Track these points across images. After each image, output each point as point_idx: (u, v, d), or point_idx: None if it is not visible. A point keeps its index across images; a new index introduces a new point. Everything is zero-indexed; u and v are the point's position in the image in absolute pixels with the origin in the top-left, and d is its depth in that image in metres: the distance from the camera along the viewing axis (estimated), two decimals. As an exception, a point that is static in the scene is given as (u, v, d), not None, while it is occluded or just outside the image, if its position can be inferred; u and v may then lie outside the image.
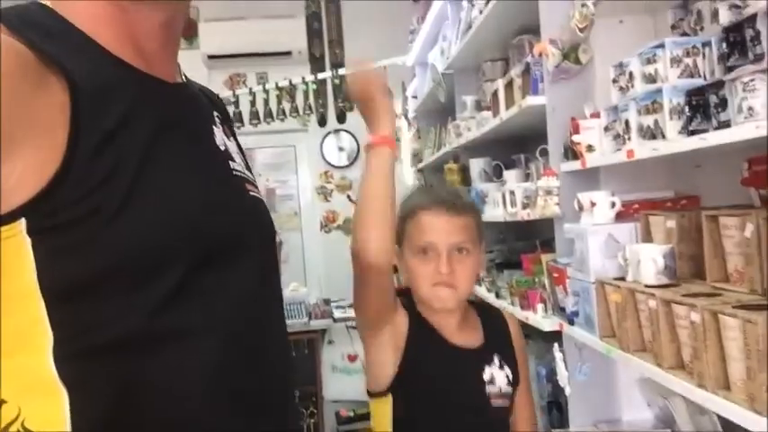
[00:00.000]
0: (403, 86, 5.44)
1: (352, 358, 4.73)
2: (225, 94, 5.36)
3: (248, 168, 0.94)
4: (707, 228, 1.37)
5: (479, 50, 3.03)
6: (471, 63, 3.25)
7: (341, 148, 6.10)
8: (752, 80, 1.15)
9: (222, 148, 0.86)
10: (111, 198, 0.68)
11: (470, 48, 2.93)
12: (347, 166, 6.09)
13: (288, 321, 3.63)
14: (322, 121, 5.58)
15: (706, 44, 1.45)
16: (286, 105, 5.25)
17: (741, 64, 1.36)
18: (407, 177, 5.79)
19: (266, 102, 5.26)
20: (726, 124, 1.23)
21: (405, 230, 1.38)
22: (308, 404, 4.59)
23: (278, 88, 5.23)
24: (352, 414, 4.65)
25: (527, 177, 2.55)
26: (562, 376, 1.99)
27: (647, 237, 1.63)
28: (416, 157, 4.80)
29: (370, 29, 5.73)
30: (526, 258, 2.42)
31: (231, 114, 5.24)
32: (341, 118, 5.80)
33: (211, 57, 5.76)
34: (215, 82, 5.99)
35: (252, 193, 0.89)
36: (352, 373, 4.73)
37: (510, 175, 2.56)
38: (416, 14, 4.44)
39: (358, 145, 6.08)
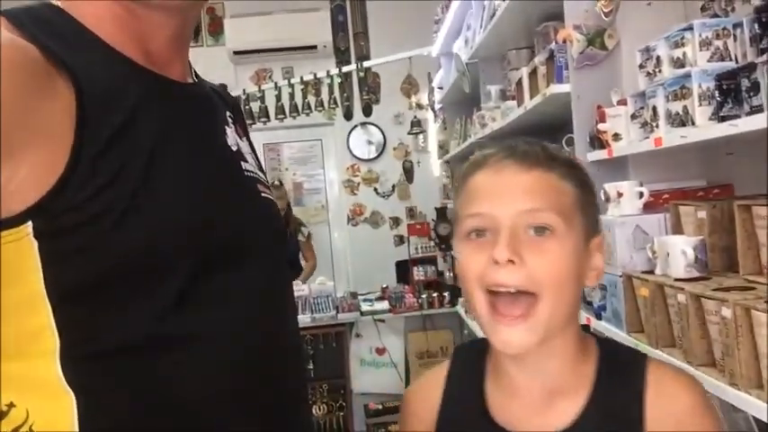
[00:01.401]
0: (429, 77, 5.39)
1: (381, 351, 4.72)
2: (251, 89, 5.39)
3: (260, 169, 0.92)
4: (739, 218, 1.30)
5: (504, 39, 2.97)
6: (496, 52, 3.19)
7: (368, 142, 6.08)
8: (786, 60, 1.09)
9: (234, 148, 0.85)
10: (117, 200, 0.67)
11: (494, 36, 2.88)
12: (374, 159, 6.07)
13: (315, 315, 3.63)
14: (348, 115, 5.57)
15: (737, 25, 1.38)
16: (311, 99, 5.25)
17: (775, 46, 1.29)
18: (435, 169, 5.76)
19: (292, 96, 5.26)
20: (759, 109, 1.16)
21: (456, 209, 0.88)
22: (338, 397, 4.59)
23: (303, 82, 5.22)
24: (380, 407, 4.63)
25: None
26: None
27: (678, 228, 1.57)
28: (443, 149, 4.75)
29: (394, 20, 5.70)
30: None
31: (258, 109, 5.26)
32: (367, 111, 5.78)
33: (237, 53, 5.79)
34: (241, 78, 6.02)
35: (264, 195, 0.87)
36: (380, 366, 4.73)
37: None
38: (441, 4, 4.38)
39: (384, 138, 6.06)
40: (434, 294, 4.66)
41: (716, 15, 1.67)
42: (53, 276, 0.66)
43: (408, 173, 6.01)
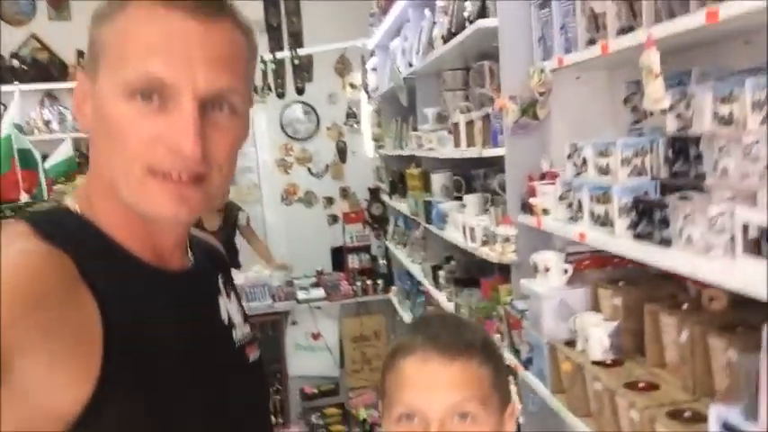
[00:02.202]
0: (362, 59, 5.43)
1: (316, 336, 4.88)
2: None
3: (243, 314, 1.01)
4: (648, 320, 1.52)
5: (441, 62, 3.08)
6: (432, 69, 3.30)
7: (300, 121, 6.09)
8: (691, 214, 1.27)
9: (226, 321, 0.94)
10: (132, 397, 0.74)
11: (431, 65, 2.98)
12: (307, 139, 6.10)
13: (252, 304, 3.72)
14: (281, 94, 5.57)
15: (654, 141, 1.56)
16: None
17: (685, 170, 1.49)
18: (368, 150, 5.86)
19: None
20: (667, 242, 1.36)
21: (384, 385, 1.00)
22: (274, 381, 4.76)
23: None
24: (316, 391, 4.84)
25: (486, 202, 2.67)
26: (516, 408, 2.17)
27: (596, 304, 1.78)
28: (377, 141, 4.85)
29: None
30: (485, 283, 2.57)
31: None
32: (300, 90, 5.78)
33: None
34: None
35: (251, 360, 0.97)
36: (315, 350, 4.90)
37: (470, 201, 2.67)
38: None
39: (318, 118, 6.08)
40: (368, 282, 4.85)
41: (635, 108, 1.85)
42: None
43: (342, 153, 6.09)
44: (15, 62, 5.32)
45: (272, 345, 4.71)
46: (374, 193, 5.52)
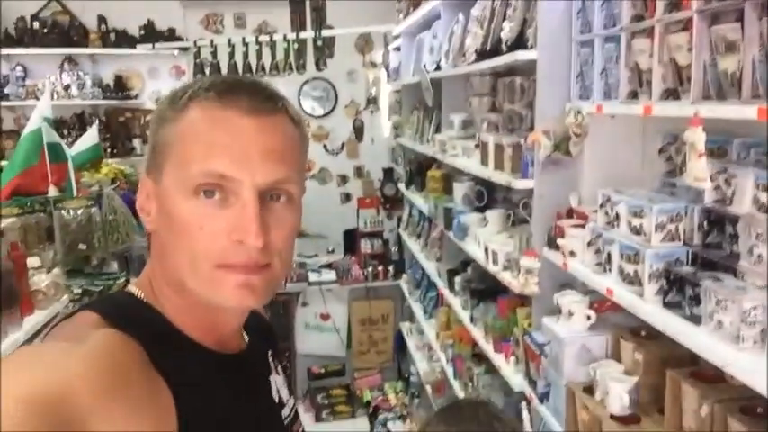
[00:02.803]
0: (385, 38, 5.37)
1: (325, 317, 4.97)
2: (203, 42, 5.24)
3: (287, 382, 1.06)
4: (669, 384, 1.55)
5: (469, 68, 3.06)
6: (460, 73, 3.27)
7: (318, 98, 6.06)
8: (725, 299, 1.30)
9: (276, 399, 0.98)
10: None
11: (460, 73, 2.96)
12: (324, 116, 6.08)
13: None
14: (300, 67, 5.52)
15: (689, 208, 1.57)
16: (266, 60, 5.18)
17: (719, 242, 1.50)
18: (385, 131, 5.85)
19: (245, 56, 5.16)
20: (697, 319, 1.38)
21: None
22: (282, 358, 4.86)
23: (257, 42, 5.12)
24: (323, 371, 4.95)
25: (508, 218, 2.69)
26: (527, 433, 2.23)
27: (616, 353, 1.82)
28: (397, 129, 4.83)
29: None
30: (502, 301, 2.60)
31: (209, 66, 5.13)
32: (319, 65, 5.73)
33: (187, -3, 5.55)
34: (190, 22, 5.81)
35: None
36: (324, 330, 4.99)
37: (492, 218, 2.69)
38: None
39: (336, 95, 6.04)
40: (380, 267, 4.90)
41: (670, 159, 1.85)
42: None
43: (358, 132, 6.08)
44: (36, 24, 5.28)
45: (283, 324, 4.80)
46: (388, 173, 5.53)
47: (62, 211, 2.62)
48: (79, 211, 2.65)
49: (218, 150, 0.77)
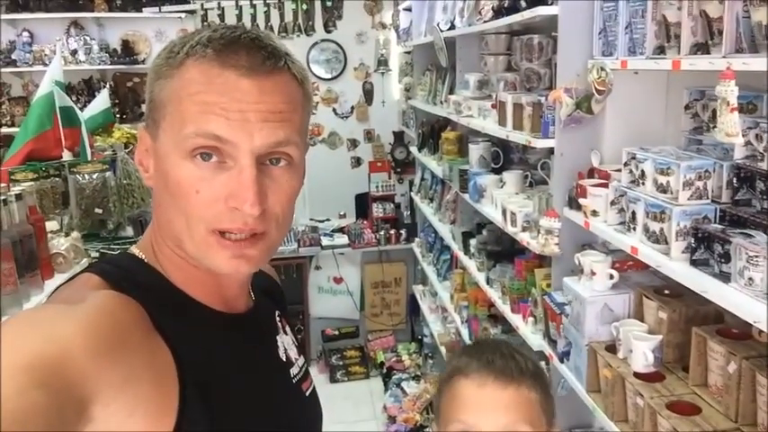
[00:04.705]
0: (395, -1, 5.29)
1: (338, 281, 5.00)
2: (210, 5, 5.17)
3: (298, 346, 1.06)
4: (695, 342, 1.55)
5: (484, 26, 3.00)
6: (474, 32, 3.21)
7: (327, 60, 5.98)
8: (756, 256, 1.28)
9: (284, 358, 0.98)
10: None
11: (474, 31, 2.90)
12: (333, 79, 6.01)
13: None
14: (308, 29, 5.45)
15: (718, 165, 1.55)
16: (275, 22, 5.11)
17: (748, 199, 1.48)
18: (395, 92, 5.79)
19: (253, 18, 5.10)
20: (726, 277, 1.37)
21: (441, 403, 1.08)
22: (296, 321, 4.90)
23: (266, 4, 5.05)
24: (337, 333, 4.99)
25: (525, 179, 2.67)
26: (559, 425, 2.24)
27: (639, 312, 1.81)
28: (408, 91, 4.77)
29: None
30: (520, 262, 2.59)
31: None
32: (328, 26, 5.67)
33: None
34: (197, -16, 5.70)
35: (308, 392, 1.02)
36: (337, 293, 5.03)
37: (509, 179, 2.67)
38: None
39: (345, 57, 5.96)
40: (392, 231, 4.90)
41: (696, 115, 1.81)
42: None
43: (368, 94, 6.01)
44: (41, -12, 5.20)
45: (296, 287, 4.83)
46: (399, 137, 5.49)
47: (77, 176, 2.61)
48: (94, 176, 2.64)
49: (215, 112, 0.75)
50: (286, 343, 1.00)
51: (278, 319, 1.02)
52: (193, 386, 0.77)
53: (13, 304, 1.85)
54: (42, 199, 2.47)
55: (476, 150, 2.99)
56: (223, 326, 0.87)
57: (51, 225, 2.17)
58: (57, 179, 2.57)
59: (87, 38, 5.32)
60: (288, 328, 1.04)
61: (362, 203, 5.22)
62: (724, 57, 1.38)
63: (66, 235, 2.23)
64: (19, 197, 1.97)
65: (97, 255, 2.58)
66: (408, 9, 4.88)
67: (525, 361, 1.07)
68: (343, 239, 4.88)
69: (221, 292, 0.88)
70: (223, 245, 0.78)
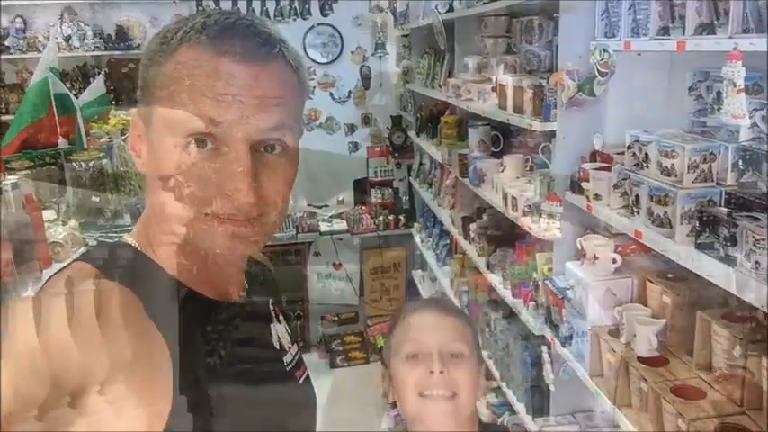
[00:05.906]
0: (391, -19, 5.23)
1: (337, 266, 4.99)
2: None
3: (289, 331, 1.04)
4: (699, 326, 1.54)
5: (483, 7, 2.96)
6: (473, 13, 3.17)
7: (323, 44, 5.92)
8: (763, 239, 1.27)
9: (277, 346, 0.98)
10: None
11: (473, 13, 2.87)
12: (330, 63, 5.95)
13: (275, 235, 3.83)
14: (305, 12, 5.41)
15: (723, 147, 1.53)
16: (270, 5, 5.06)
17: (753, 182, 1.46)
18: (393, 77, 5.75)
19: (249, 1, 5.05)
20: (731, 260, 1.36)
21: (393, 335, 1.24)
22: (296, 307, 4.90)
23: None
24: (336, 319, 4.99)
25: (525, 163, 2.65)
26: (548, 376, 2.24)
27: (642, 296, 1.80)
28: (406, 75, 4.73)
29: None
30: (520, 246, 2.58)
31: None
32: (324, 10, 5.62)
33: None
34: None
35: (301, 380, 1.01)
36: (336, 279, 5.02)
37: (509, 163, 2.65)
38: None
39: (342, 41, 5.91)
40: (390, 216, 4.88)
41: (700, 97, 1.79)
42: None
43: (366, 79, 5.96)
44: (33, -27, 5.13)
45: (295, 273, 4.82)
46: (396, 121, 5.46)
47: (73, 164, 2.59)
48: (90, 163, 2.61)
49: (209, 100, 0.74)
50: (279, 331, 1.00)
51: (271, 307, 1.02)
52: (186, 373, 0.76)
53: (10, 294, 1.84)
54: (39, 187, 2.45)
55: (475, 134, 2.97)
56: (216, 313, 0.87)
57: (48, 214, 2.15)
58: (53, 167, 2.55)
59: (81, 24, 5.26)
60: (281, 317, 1.04)
61: (361, 189, 5.20)
62: (730, 37, 1.36)
63: (64, 224, 2.21)
64: (15, 186, 1.95)
65: (95, 243, 2.55)
66: (405, -8, 4.84)
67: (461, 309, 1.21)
68: (342, 225, 4.87)
69: (214, 279, 0.87)
70: (219, 223, 0.77)
